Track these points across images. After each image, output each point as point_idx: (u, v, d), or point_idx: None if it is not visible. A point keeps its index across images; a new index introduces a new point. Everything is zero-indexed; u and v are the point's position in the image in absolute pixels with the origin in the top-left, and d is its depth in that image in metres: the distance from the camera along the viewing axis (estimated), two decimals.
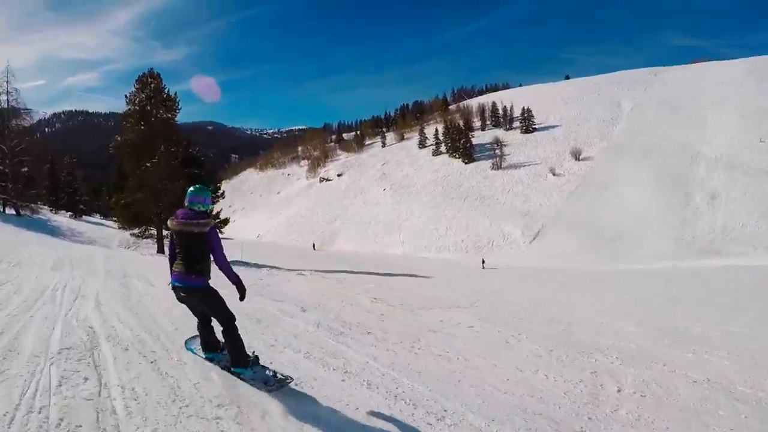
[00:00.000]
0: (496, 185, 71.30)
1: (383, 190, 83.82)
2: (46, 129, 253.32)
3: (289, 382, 3.42)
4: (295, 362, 4.12)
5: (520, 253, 52.25)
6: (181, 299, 3.46)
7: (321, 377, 3.79)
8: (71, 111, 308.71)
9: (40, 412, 2.66)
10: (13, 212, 28.40)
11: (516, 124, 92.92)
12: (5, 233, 18.97)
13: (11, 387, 2.97)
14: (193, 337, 4.03)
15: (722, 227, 48.80)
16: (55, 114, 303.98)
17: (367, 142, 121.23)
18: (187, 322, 4.40)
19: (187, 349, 3.99)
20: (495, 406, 3.50)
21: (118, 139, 21.83)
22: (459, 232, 61.55)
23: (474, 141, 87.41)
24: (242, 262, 18.23)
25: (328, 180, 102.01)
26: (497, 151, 78.90)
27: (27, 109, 32.91)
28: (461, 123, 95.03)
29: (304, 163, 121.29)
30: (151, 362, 3.70)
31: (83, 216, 42.33)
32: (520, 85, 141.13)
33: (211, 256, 3.35)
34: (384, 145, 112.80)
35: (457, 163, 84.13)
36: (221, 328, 3.39)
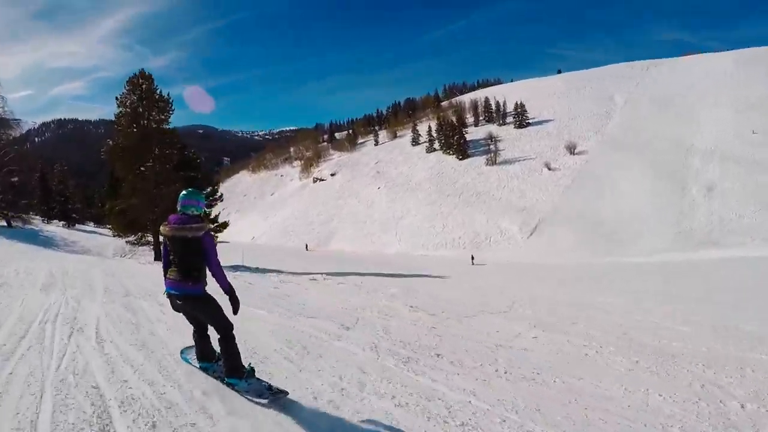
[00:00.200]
0: (492, 181, 71.20)
1: (378, 189, 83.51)
2: (36, 139, 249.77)
3: (285, 396, 3.25)
4: (387, 413, 3.26)
5: (518, 249, 52.21)
6: (176, 307, 3.34)
7: None
8: (61, 119, 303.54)
9: None
10: (4, 224, 27.79)
11: (509, 119, 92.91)
12: None
13: None
14: (189, 347, 3.91)
15: (719, 219, 48.99)
16: (44, 123, 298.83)
17: (360, 140, 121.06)
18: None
19: (182, 358, 3.90)
20: None
21: (110, 143, 21.10)
22: (456, 228, 61.43)
23: (467, 137, 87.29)
24: (244, 266, 17.86)
25: (321, 180, 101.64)
26: (491, 147, 78.77)
27: (15, 119, 32.25)
28: (454, 119, 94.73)
29: (297, 163, 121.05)
30: None
31: (76, 225, 41.64)
32: (512, 81, 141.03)
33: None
34: (377, 143, 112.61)
35: (451, 159, 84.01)
36: (218, 337, 3.28)
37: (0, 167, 27.25)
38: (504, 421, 3.26)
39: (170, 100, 20.92)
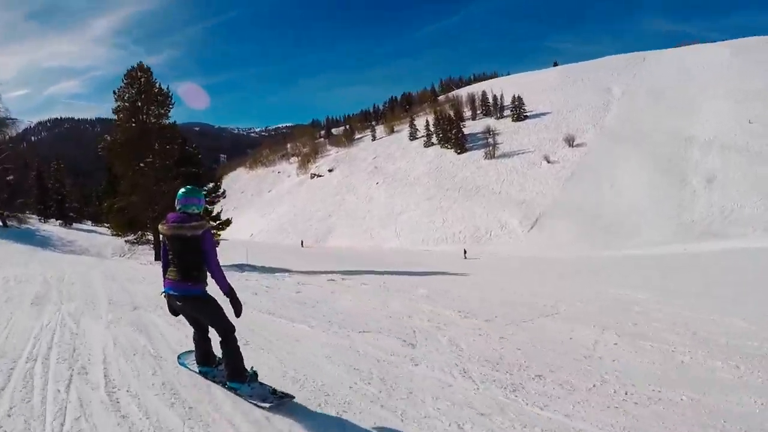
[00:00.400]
0: (491, 174, 70.97)
1: (376, 184, 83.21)
2: (32, 138, 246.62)
3: (290, 400, 3.12)
4: None
5: (519, 243, 52.12)
6: (175, 308, 3.26)
7: None
8: (57, 118, 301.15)
9: None
10: (0, 223, 27.35)
11: (507, 112, 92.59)
12: None
13: None
14: (187, 352, 3.82)
15: (720, 210, 49.01)
16: (40, 122, 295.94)
17: (357, 136, 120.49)
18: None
19: (180, 363, 3.74)
20: None
21: (108, 138, 20.53)
22: (456, 223, 61.26)
23: (465, 131, 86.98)
24: (250, 265, 17.43)
25: (319, 176, 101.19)
26: (490, 140, 78.47)
27: (11, 119, 31.70)
28: (451, 113, 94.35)
29: (294, 160, 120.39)
30: None
31: (73, 224, 41.13)
32: (509, 74, 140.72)
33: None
34: (374, 138, 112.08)
35: (450, 153, 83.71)
36: (219, 340, 3.17)
37: None
38: None
39: (170, 94, 20.44)
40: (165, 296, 3.24)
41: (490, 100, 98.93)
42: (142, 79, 19.78)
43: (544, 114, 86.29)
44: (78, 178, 72.50)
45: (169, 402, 3.09)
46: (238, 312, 3.14)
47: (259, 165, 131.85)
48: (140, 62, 20.38)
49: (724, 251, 31.73)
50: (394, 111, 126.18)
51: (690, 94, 75.20)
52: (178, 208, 3.18)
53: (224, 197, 23.70)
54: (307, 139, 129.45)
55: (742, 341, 5.09)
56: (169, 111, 20.44)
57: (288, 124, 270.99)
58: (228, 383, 3.20)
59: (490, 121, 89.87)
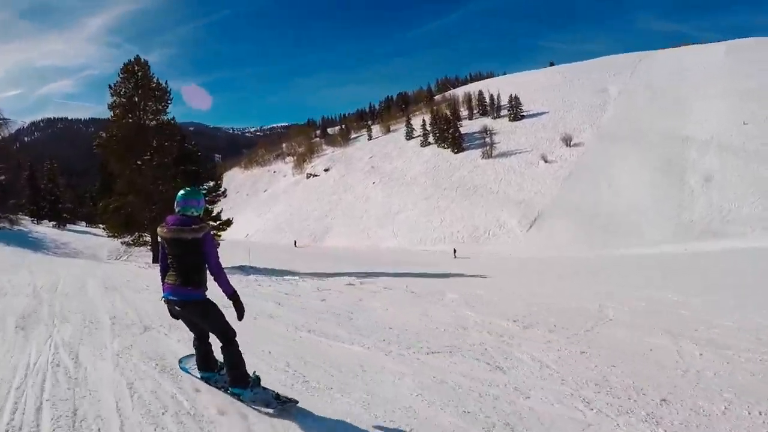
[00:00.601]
0: (488, 174, 70.74)
1: (373, 184, 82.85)
2: (26, 138, 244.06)
3: (294, 405, 3.05)
4: None
5: (518, 243, 51.91)
6: (175, 314, 3.21)
7: None
8: (50, 118, 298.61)
9: None
10: None
11: (504, 112, 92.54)
12: None
13: None
14: (188, 356, 3.74)
15: (719, 209, 48.97)
16: (33, 123, 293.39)
17: (353, 135, 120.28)
18: None
19: (181, 368, 3.69)
20: None
21: (103, 135, 19.66)
22: (454, 222, 61.00)
23: (462, 130, 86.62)
24: (252, 267, 16.90)
25: (315, 176, 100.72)
26: (487, 140, 78.26)
27: (4, 119, 31.03)
28: (448, 113, 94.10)
29: (290, 159, 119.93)
30: None
31: (67, 225, 40.43)
32: (505, 74, 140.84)
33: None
34: (370, 137, 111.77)
35: (447, 153, 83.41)
36: (220, 345, 3.11)
37: None
38: None
39: (168, 89, 19.79)
40: (165, 301, 3.17)
41: (487, 99, 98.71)
42: (140, 73, 19.14)
43: (540, 114, 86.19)
44: (72, 178, 71.73)
45: None
46: (240, 315, 3.10)
47: (255, 165, 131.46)
48: (137, 56, 19.64)
49: (724, 251, 31.57)
50: (390, 110, 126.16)
51: (686, 93, 75.30)
52: (177, 210, 3.11)
53: (225, 196, 23.02)
54: (303, 138, 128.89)
55: None
56: (168, 106, 19.80)
57: (283, 124, 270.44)
58: (230, 389, 3.15)
59: (487, 121, 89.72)
